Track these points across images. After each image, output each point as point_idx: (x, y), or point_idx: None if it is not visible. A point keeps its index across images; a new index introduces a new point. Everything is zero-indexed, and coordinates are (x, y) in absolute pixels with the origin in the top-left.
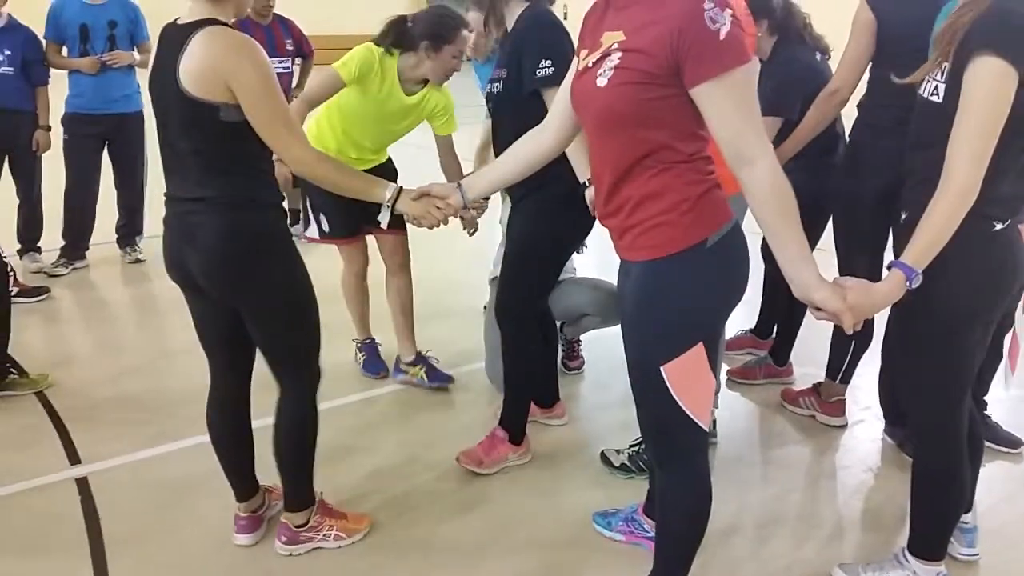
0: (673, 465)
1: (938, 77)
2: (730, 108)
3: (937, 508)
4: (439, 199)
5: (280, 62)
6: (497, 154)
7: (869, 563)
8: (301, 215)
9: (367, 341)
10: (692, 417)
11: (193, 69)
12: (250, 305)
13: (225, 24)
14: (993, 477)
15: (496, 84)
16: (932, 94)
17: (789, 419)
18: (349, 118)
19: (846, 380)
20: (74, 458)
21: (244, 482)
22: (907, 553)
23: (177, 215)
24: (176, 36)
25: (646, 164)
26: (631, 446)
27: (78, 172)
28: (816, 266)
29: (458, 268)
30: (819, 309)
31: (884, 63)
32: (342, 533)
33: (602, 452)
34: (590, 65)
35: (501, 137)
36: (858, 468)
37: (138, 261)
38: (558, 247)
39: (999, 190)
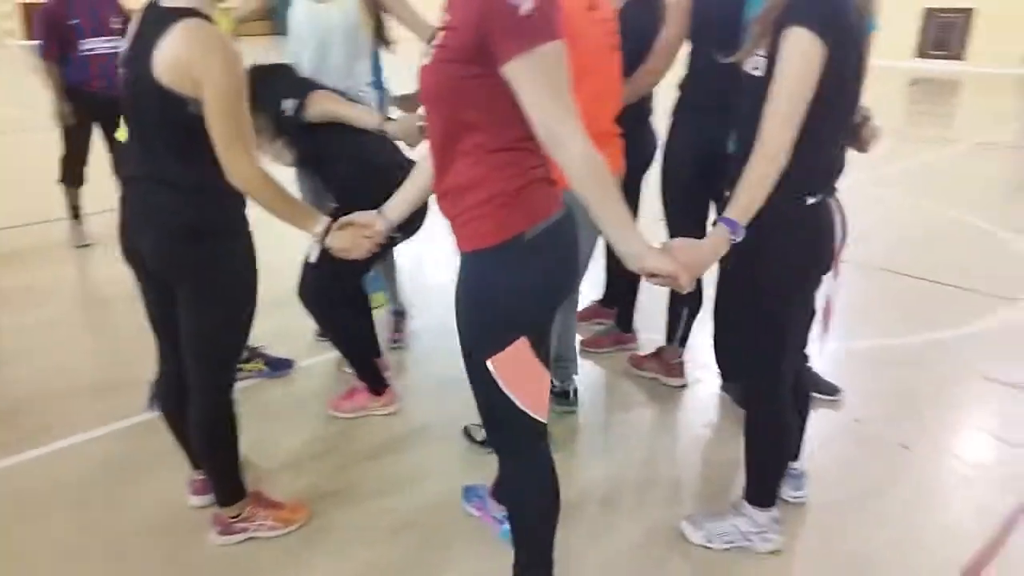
0: (512, 454)
1: (760, 53)
2: (537, 87)
3: (768, 458)
4: (364, 228)
5: (106, 41)
6: None
7: (712, 514)
8: None
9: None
10: (525, 409)
11: (167, 60)
12: (195, 291)
13: (207, 17)
14: (814, 423)
15: None
16: (755, 69)
17: (636, 383)
18: None
19: (683, 343)
20: None
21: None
22: (744, 500)
23: (138, 194)
24: (157, 21)
25: (465, 151)
26: None
27: None
28: (642, 235)
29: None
30: (653, 275)
31: (700, 43)
32: (278, 523)
33: (465, 427)
34: (427, 45)
35: None
36: (698, 424)
37: None
38: None
39: (811, 166)
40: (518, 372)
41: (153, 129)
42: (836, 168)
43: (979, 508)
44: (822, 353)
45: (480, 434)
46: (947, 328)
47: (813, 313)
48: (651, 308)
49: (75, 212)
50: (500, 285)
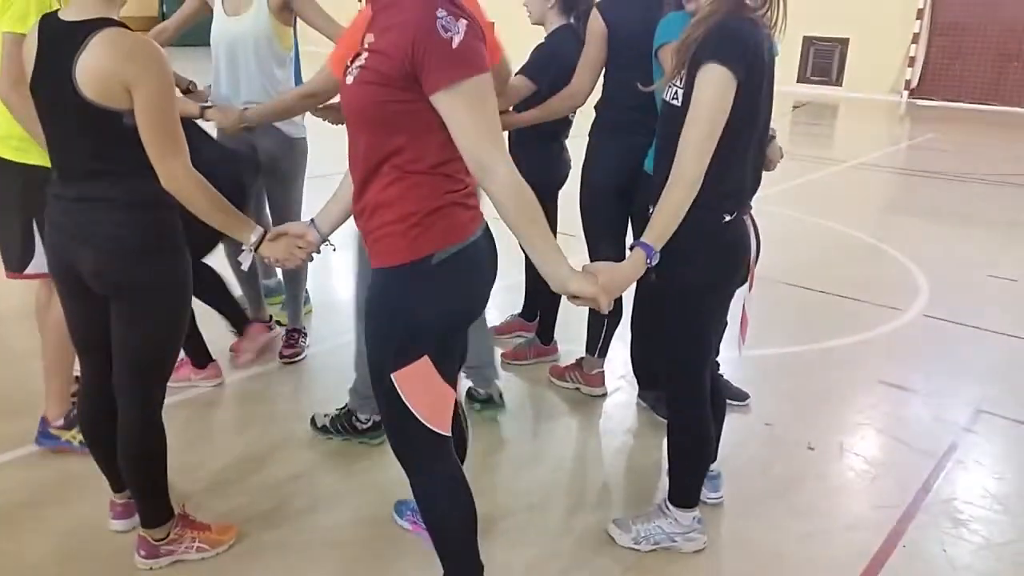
0: (418, 467)
1: (678, 83)
2: (465, 117)
3: (691, 461)
4: (298, 238)
5: None
6: None
7: (638, 516)
8: (13, 243)
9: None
10: (425, 423)
11: (93, 74)
12: (135, 304)
13: (122, 25)
14: (728, 427)
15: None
16: (673, 98)
17: (558, 393)
18: None
19: (603, 354)
20: None
21: (117, 474)
22: (667, 503)
23: (68, 213)
24: (67, 35)
25: (385, 170)
26: (337, 409)
27: None
28: (566, 259)
29: None
30: (575, 297)
31: (618, 68)
32: (205, 545)
33: (312, 416)
34: (348, 64)
35: None
36: (619, 431)
37: None
38: None
39: (727, 186)
40: (420, 387)
41: (82, 147)
42: (750, 187)
43: (880, 502)
44: (736, 361)
45: (321, 421)
46: (843, 336)
47: (725, 324)
48: (570, 320)
49: None
50: (406, 303)
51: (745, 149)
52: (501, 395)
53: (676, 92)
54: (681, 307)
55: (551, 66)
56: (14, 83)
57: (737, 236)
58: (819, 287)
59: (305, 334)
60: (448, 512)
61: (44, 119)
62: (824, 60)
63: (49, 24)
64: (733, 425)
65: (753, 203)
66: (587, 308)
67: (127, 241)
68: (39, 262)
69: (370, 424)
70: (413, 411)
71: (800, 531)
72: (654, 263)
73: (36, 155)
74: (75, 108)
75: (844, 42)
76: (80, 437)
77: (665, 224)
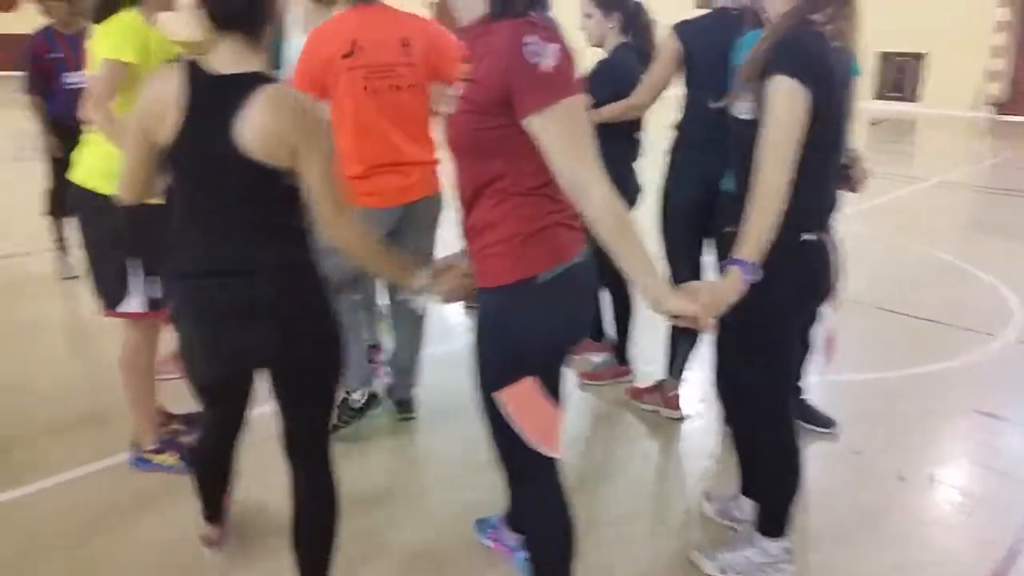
0: (523, 486)
1: (748, 98)
2: (557, 140)
3: (780, 487)
4: (457, 268)
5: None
6: None
7: (724, 544)
8: (108, 280)
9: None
10: (534, 444)
11: (260, 133)
12: (305, 375)
13: (277, 81)
14: (815, 454)
15: None
16: (744, 113)
17: (637, 415)
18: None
19: (680, 375)
20: None
21: (218, 506)
22: (756, 531)
23: (222, 290)
24: (223, 89)
25: (488, 193)
26: None
27: None
28: (663, 279)
29: None
30: (675, 316)
31: (695, 89)
32: None
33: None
34: (449, 93)
35: None
36: (700, 455)
37: None
38: None
39: (802, 204)
40: (527, 407)
41: (244, 210)
42: (828, 206)
43: (978, 538)
44: (822, 386)
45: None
46: (932, 362)
47: (807, 348)
48: (646, 341)
49: (61, 244)
50: (512, 322)
51: (821, 166)
52: (413, 401)
53: (746, 107)
54: (759, 329)
55: (612, 81)
56: (102, 102)
57: (817, 256)
58: (906, 310)
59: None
60: (550, 532)
61: (187, 181)
62: (900, 76)
63: (198, 76)
64: (821, 452)
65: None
66: (666, 328)
67: (299, 308)
68: (134, 301)
69: (365, 399)
70: (520, 431)
71: (891, 563)
72: (753, 278)
73: None
74: (237, 168)
75: (921, 57)
76: (172, 460)
77: (756, 239)
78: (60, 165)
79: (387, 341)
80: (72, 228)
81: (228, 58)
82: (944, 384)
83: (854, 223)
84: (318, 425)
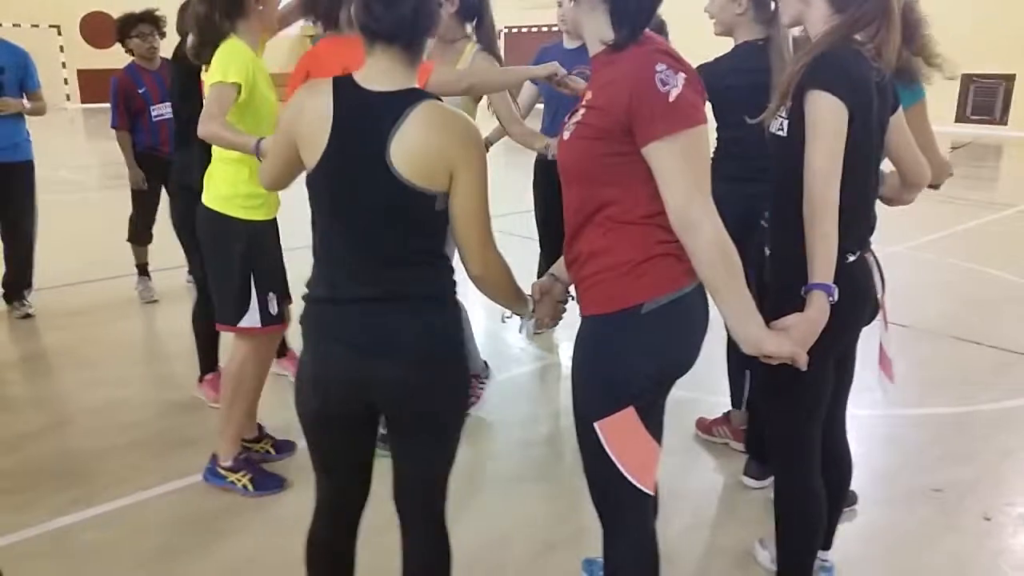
0: (614, 523)
1: (782, 115)
2: (674, 169)
3: (794, 537)
4: (551, 295)
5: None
6: None
7: None
8: (231, 296)
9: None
10: (629, 477)
11: (415, 154)
12: (430, 420)
13: (436, 98)
14: (893, 493)
15: None
16: (779, 130)
17: (707, 447)
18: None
19: (743, 406)
20: None
21: None
22: None
23: (354, 318)
24: (376, 107)
25: (598, 220)
26: None
27: None
28: (761, 320)
29: None
30: (769, 357)
31: (724, 126)
32: None
33: None
34: (566, 120)
35: None
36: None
37: (27, 316)
38: None
39: (848, 224)
40: (625, 439)
41: (390, 234)
42: (867, 225)
43: None
44: (901, 419)
45: None
46: (1018, 396)
47: (851, 379)
48: (716, 372)
49: (143, 269)
50: (612, 352)
51: (858, 185)
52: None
53: (781, 124)
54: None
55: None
56: (213, 121)
57: (861, 277)
58: (990, 342)
59: (483, 380)
60: (635, 572)
61: (331, 203)
62: (986, 98)
63: (348, 92)
64: (900, 490)
65: (908, 250)
66: (726, 360)
67: (436, 343)
68: (252, 317)
69: None
70: (616, 462)
71: None
72: (836, 299)
73: (261, 212)
74: (385, 189)
75: (1010, 79)
76: (244, 481)
77: (822, 258)
78: (143, 196)
79: None
80: (169, 252)
81: (382, 74)
82: None
83: (932, 250)
84: (435, 479)
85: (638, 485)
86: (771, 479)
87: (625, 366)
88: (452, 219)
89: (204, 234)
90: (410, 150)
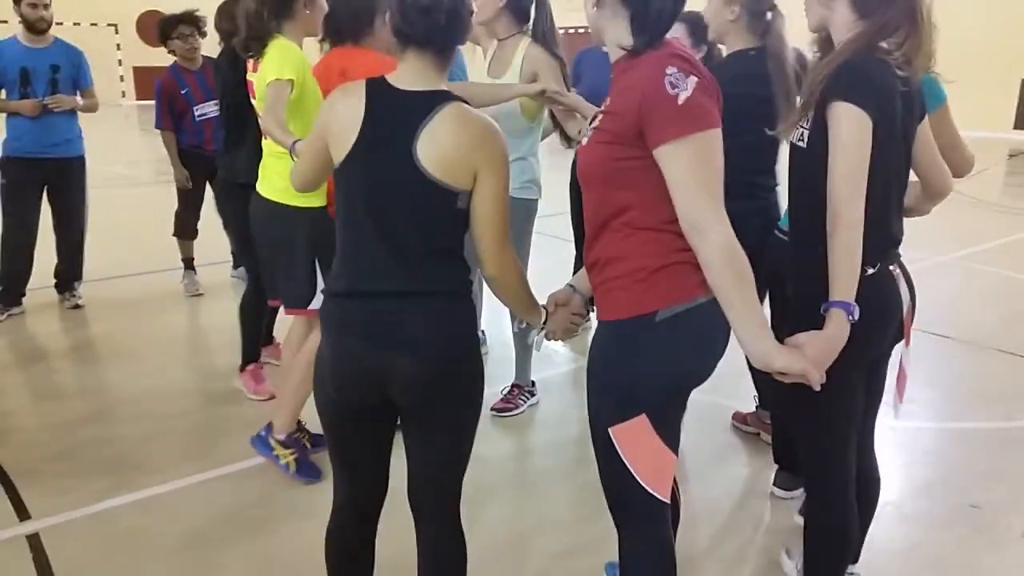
0: (629, 530)
1: (804, 125)
2: (685, 173)
3: (824, 560)
4: (567, 307)
5: (216, 105)
6: None
7: None
8: (298, 281)
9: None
10: (643, 484)
11: (441, 151)
12: (444, 416)
13: (463, 101)
14: (928, 505)
15: None
16: (799, 140)
17: (734, 452)
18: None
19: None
20: (23, 514)
21: None
22: None
23: (372, 313)
24: (407, 105)
25: (615, 226)
26: None
27: (16, 216)
28: (771, 334)
29: None
30: (781, 373)
31: (725, 137)
32: None
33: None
34: (587, 127)
35: None
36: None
37: (77, 307)
38: None
39: (869, 236)
40: (638, 446)
41: (412, 230)
42: (892, 238)
43: None
44: (939, 433)
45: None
46: None
47: (880, 396)
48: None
49: (189, 263)
50: (626, 359)
51: (882, 197)
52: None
53: (803, 134)
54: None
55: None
56: (274, 118)
57: (884, 291)
58: None
59: (530, 392)
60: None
61: (357, 198)
62: None
63: (381, 91)
64: (935, 506)
65: (954, 260)
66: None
67: (450, 340)
68: (320, 299)
69: None
70: (630, 469)
71: None
72: (856, 317)
73: (318, 199)
74: (412, 186)
75: None
76: (290, 459)
77: (844, 274)
78: (188, 192)
79: None
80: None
81: (413, 76)
82: None
83: (983, 261)
84: (448, 475)
85: (653, 492)
86: (800, 489)
87: (638, 373)
88: (472, 219)
89: (264, 224)
90: (437, 147)
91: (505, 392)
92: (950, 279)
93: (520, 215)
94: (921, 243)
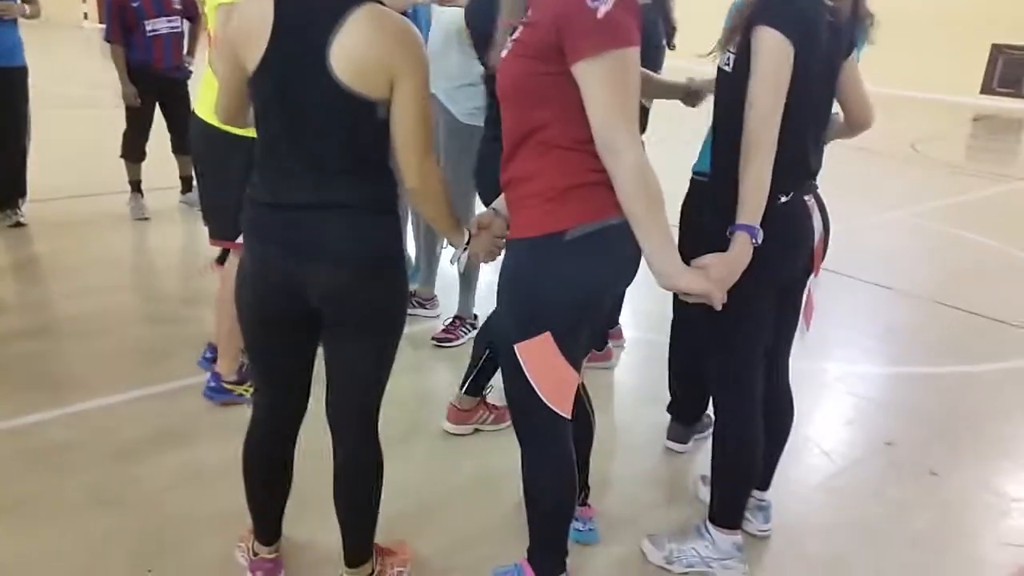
0: (530, 443)
1: (731, 49)
2: (601, 91)
3: (732, 479)
4: (489, 229)
5: (168, 21)
6: None
7: (674, 533)
8: (226, 212)
9: None
10: (545, 400)
11: (353, 57)
12: (365, 328)
13: (379, 1)
14: (845, 444)
15: None
16: (725, 64)
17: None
18: None
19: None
20: None
21: (274, 524)
22: (707, 523)
23: (295, 224)
24: (315, 10)
25: (531, 143)
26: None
27: None
28: (679, 255)
29: None
30: (686, 294)
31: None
32: (402, 567)
33: None
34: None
35: None
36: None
37: (19, 224)
38: None
39: (785, 164)
40: (542, 363)
41: (329, 142)
42: (808, 168)
43: (1007, 540)
44: (869, 376)
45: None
46: (992, 361)
47: (794, 325)
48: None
49: (136, 186)
50: (533, 275)
51: (801, 125)
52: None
53: (728, 58)
54: (729, 299)
55: None
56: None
57: (795, 219)
58: (973, 308)
59: (472, 325)
60: (550, 492)
61: (272, 108)
62: (1016, 70)
63: None
64: (851, 440)
65: (906, 216)
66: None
67: (372, 252)
68: None
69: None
70: (533, 385)
71: (906, 561)
72: (760, 241)
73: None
74: (324, 95)
75: None
76: (249, 390)
77: (754, 199)
78: (137, 112)
79: None
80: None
81: None
82: (1001, 385)
83: (931, 219)
84: (368, 387)
85: (555, 409)
86: (692, 442)
87: (543, 291)
88: (391, 127)
89: (198, 148)
90: (350, 54)
91: (447, 323)
92: (897, 234)
93: (464, 140)
94: (872, 198)
